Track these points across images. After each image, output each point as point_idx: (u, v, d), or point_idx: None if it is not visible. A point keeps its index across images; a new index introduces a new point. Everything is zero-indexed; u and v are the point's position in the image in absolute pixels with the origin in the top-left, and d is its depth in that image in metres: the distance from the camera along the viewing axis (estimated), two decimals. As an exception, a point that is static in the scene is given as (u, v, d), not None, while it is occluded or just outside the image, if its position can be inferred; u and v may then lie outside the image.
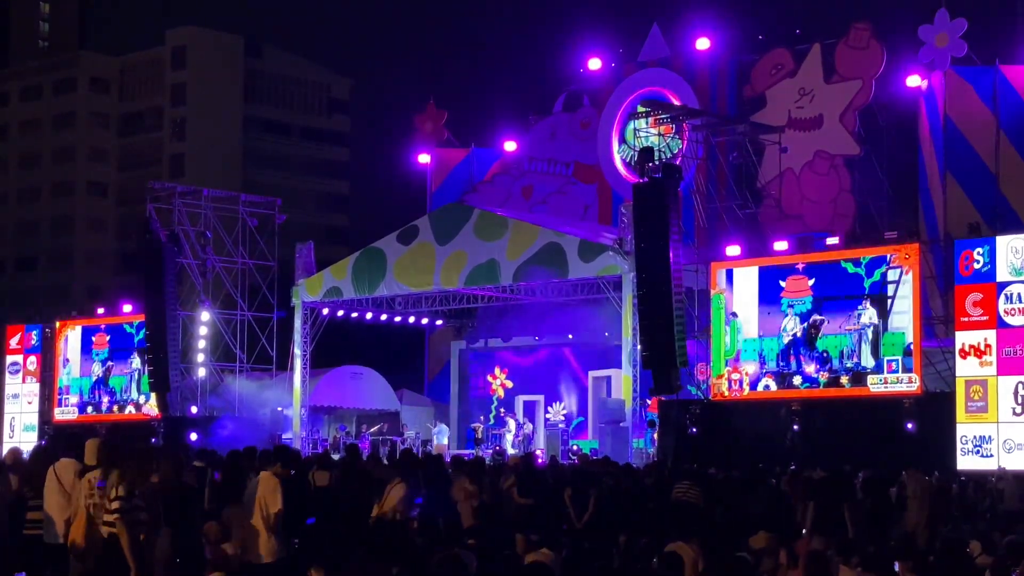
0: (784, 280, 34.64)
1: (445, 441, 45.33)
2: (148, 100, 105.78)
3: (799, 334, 34.07)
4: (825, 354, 33.57)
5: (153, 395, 45.46)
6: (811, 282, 34.05)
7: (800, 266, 34.42)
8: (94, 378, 49.19)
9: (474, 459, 25.39)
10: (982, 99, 41.16)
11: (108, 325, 49.06)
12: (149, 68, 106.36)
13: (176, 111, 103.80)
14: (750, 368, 35.07)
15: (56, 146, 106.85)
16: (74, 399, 49.73)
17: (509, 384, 49.68)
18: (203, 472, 20.24)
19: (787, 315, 34.39)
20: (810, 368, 33.82)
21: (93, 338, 49.32)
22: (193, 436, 42.24)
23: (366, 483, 21.63)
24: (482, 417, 49.22)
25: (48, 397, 50.56)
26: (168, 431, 44.01)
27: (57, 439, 42.95)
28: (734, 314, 35.68)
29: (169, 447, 34.42)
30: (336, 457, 29.15)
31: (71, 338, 50.11)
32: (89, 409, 49.18)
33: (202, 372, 47.79)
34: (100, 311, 49.95)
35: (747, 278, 35.58)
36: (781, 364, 34.46)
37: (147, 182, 53.46)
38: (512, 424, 44.61)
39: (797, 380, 34.42)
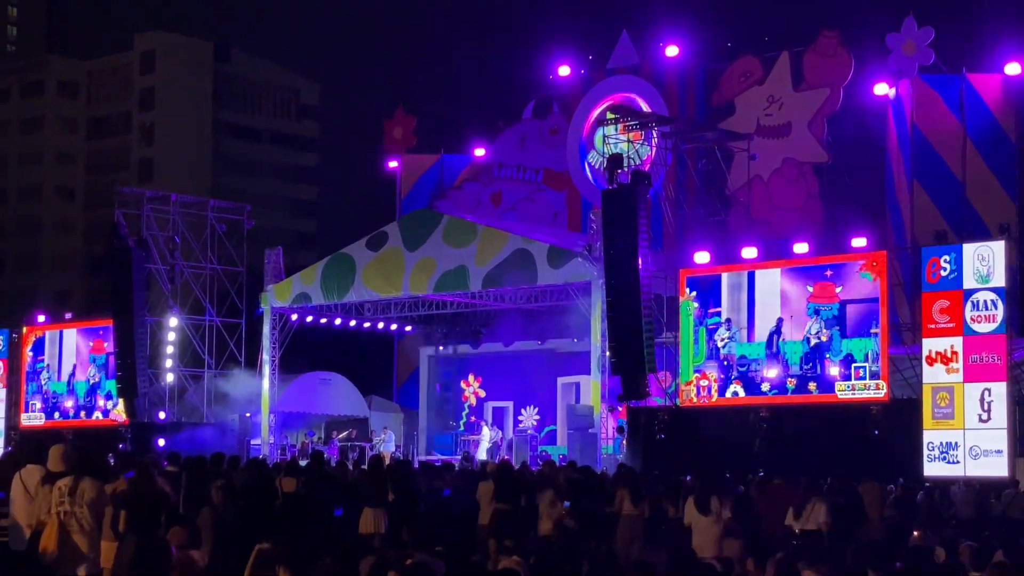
0: (812, 285, 34.31)
1: (392, 448, 45.16)
2: (116, 104, 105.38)
3: (824, 339, 33.82)
4: (850, 356, 33.42)
5: (121, 401, 45.25)
6: (839, 289, 33.80)
7: (829, 272, 34.11)
8: (91, 382, 48.48)
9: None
10: (949, 107, 41.40)
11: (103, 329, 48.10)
12: (118, 72, 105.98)
13: (145, 115, 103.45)
14: (772, 372, 34.72)
15: (24, 149, 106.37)
16: (69, 403, 48.86)
17: (482, 392, 49.73)
18: (176, 477, 20.19)
19: (812, 319, 34.13)
20: (834, 371, 33.60)
21: (91, 342, 48.62)
22: (161, 442, 42.08)
23: (332, 489, 21.68)
24: (452, 423, 49.27)
25: (15, 403, 50.17)
26: (136, 437, 43.81)
27: (23, 445, 42.77)
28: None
29: (137, 453, 34.37)
30: (304, 463, 29.11)
31: (66, 341, 49.24)
32: (56, 415, 48.86)
33: (170, 378, 47.60)
34: (68, 316, 49.62)
35: (769, 279, 35.06)
36: (805, 367, 34.22)
37: (115, 187, 53.23)
38: (487, 432, 44.53)
39: (765, 386, 34.49)
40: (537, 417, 47.09)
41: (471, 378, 50.16)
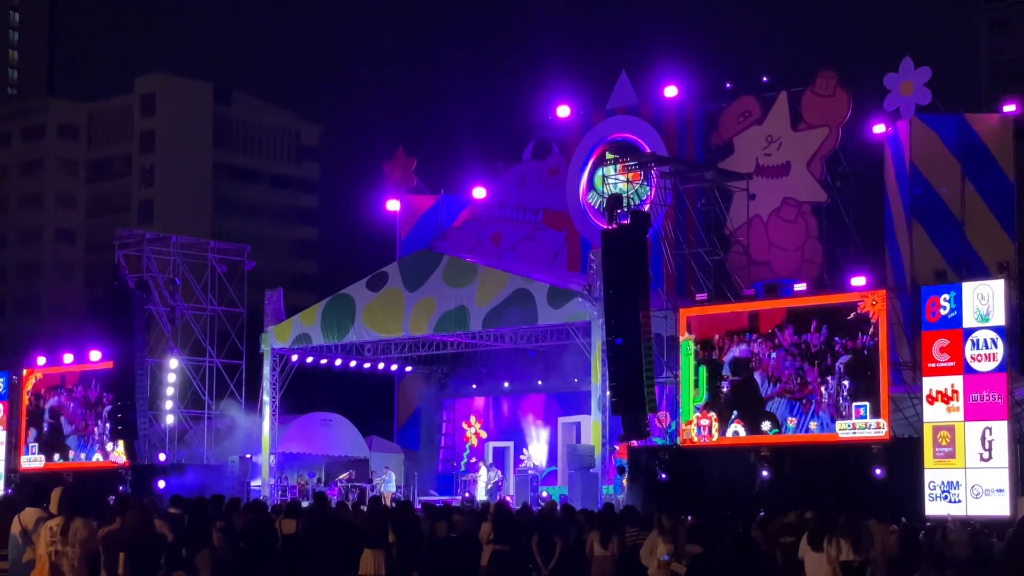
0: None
1: (393, 488, 45.06)
2: (117, 147, 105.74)
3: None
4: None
5: (121, 443, 45.12)
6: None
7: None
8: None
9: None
10: (947, 146, 41.47)
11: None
12: (118, 115, 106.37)
13: (145, 158, 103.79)
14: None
15: (24, 192, 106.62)
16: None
17: (483, 434, 49.67)
18: (179, 519, 20.11)
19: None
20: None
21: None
22: (161, 483, 41.99)
23: (333, 530, 21.61)
24: (453, 463, 49.15)
25: (15, 445, 50.04)
26: (136, 479, 43.70)
27: (23, 488, 42.60)
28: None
29: (136, 495, 34.26)
30: (305, 504, 29.03)
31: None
32: (56, 457, 48.67)
33: (170, 419, 47.51)
34: (68, 358, 49.44)
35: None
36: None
37: (115, 229, 53.28)
38: (484, 472, 44.41)
39: (766, 425, 34.44)
40: (536, 458, 46.96)
41: (472, 419, 50.11)
